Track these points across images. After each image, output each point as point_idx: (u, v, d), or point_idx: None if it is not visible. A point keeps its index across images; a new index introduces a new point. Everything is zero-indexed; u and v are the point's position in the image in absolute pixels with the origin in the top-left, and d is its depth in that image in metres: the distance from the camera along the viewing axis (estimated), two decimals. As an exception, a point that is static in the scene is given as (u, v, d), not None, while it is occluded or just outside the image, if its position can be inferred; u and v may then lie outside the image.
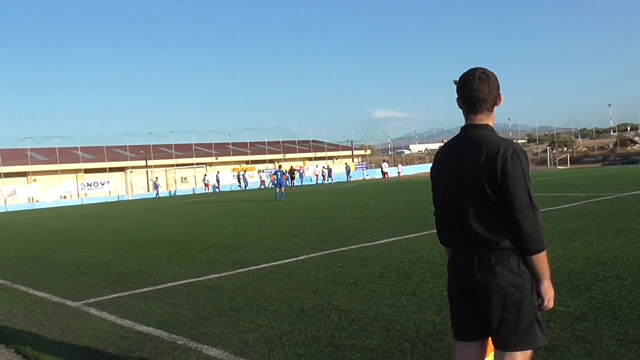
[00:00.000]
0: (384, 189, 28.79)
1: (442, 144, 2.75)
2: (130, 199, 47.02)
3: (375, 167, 57.42)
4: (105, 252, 10.71)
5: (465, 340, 2.45)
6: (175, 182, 56.24)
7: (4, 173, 47.94)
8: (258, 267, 7.69)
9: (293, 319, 4.90)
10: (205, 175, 52.03)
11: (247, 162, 61.08)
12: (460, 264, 2.40)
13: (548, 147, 61.16)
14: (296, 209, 19.04)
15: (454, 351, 2.62)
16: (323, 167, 52.92)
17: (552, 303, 2.36)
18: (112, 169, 53.44)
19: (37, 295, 6.97)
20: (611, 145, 60.10)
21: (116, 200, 47.09)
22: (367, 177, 55.53)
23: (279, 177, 27.11)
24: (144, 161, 53.61)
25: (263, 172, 55.65)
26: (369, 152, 75.98)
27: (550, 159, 55.63)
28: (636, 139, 59.23)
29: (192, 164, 57.59)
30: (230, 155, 60.69)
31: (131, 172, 52.97)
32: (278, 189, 26.64)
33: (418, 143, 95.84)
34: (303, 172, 53.41)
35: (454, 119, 70.95)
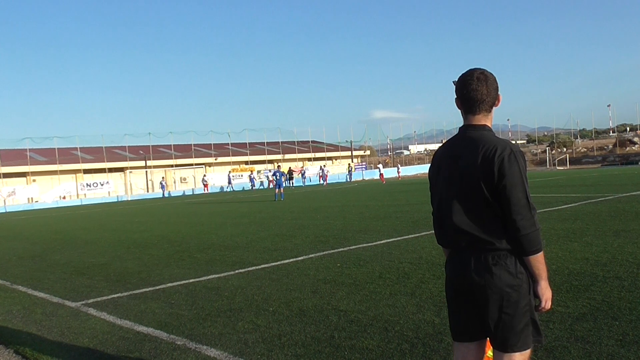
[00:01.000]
0: (383, 190, 28.81)
1: (441, 145, 2.74)
2: (129, 199, 47.00)
3: (374, 168, 57.50)
4: (104, 252, 10.71)
5: (463, 341, 2.46)
6: (174, 182, 56.23)
7: (3, 173, 47.90)
8: (257, 267, 7.69)
9: (292, 319, 4.91)
10: (204, 175, 52.03)
11: (246, 163, 61.08)
12: (457, 264, 2.40)
13: (547, 148, 61.19)
14: (295, 209, 19.04)
15: (453, 352, 2.62)
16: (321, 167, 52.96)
17: (550, 304, 2.37)
18: (111, 170, 53.40)
19: (37, 295, 6.96)
20: (610, 146, 60.13)
21: (115, 200, 47.07)
22: (367, 178, 55.52)
23: (278, 177, 27.11)
24: (143, 161, 53.61)
25: (261, 172, 55.69)
26: (368, 152, 76.01)
27: (549, 160, 55.66)
28: (635, 139, 59.26)
29: (192, 165, 57.58)
30: (229, 155, 60.67)
31: (130, 172, 52.95)
32: (277, 190, 26.64)
33: (417, 143, 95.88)
34: (300, 172, 53.33)
35: (453, 120, 71.01)
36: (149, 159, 54.25)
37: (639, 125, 71.05)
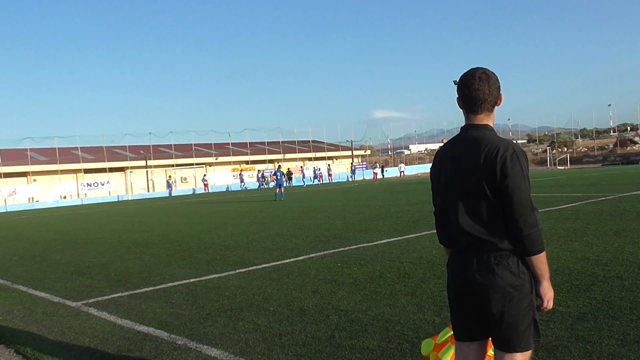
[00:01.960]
0: (384, 189, 28.80)
1: (442, 144, 2.74)
2: (130, 199, 47.03)
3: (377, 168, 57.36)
4: (105, 252, 10.71)
5: (465, 341, 2.45)
6: (175, 182, 56.26)
7: (3, 173, 47.93)
8: (258, 267, 7.69)
9: (293, 319, 4.90)
10: (204, 175, 52.06)
11: (247, 162, 61.09)
12: (459, 264, 2.39)
13: (548, 148, 61.16)
14: (296, 209, 19.04)
15: (455, 352, 2.62)
16: (324, 166, 52.96)
17: (552, 304, 2.36)
18: (112, 169, 53.44)
19: (37, 295, 6.96)
20: (611, 146, 60.11)
21: (116, 200, 47.10)
22: (367, 178, 55.50)
23: (278, 177, 27.10)
24: (144, 161, 53.62)
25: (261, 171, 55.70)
26: (368, 152, 75.99)
27: (550, 159, 55.63)
28: (636, 139, 59.24)
29: (192, 164, 57.58)
30: (230, 155, 60.68)
31: (131, 172, 52.97)
32: (278, 189, 26.63)
33: (418, 143, 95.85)
34: (299, 172, 53.35)
35: (454, 119, 71.00)
36: (150, 159, 54.29)
37: (640, 125, 71.01)
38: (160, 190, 53.26)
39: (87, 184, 50.45)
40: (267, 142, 64.29)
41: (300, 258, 8.15)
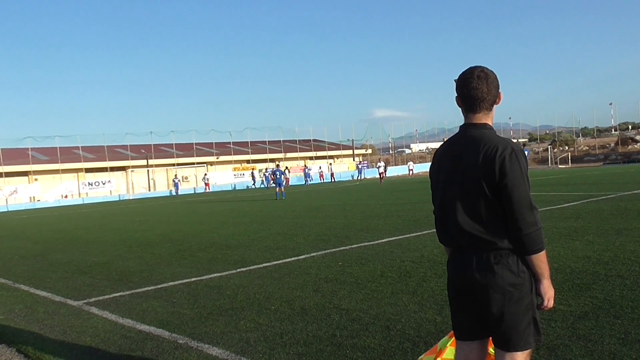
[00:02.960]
0: (384, 189, 28.79)
1: (442, 143, 2.75)
2: (131, 198, 47.06)
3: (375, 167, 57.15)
4: (106, 251, 10.72)
5: (465, 340, 2.45)
6: (180, 181, 56.25)
7: (5, 172, 47.98)
8: (259, 266, 7.69)
9: (294, 318, 4.91)
10: (205, 174, 52.07)
11: (247, 162, 61.10)
12: (459, 263, 2.39)
13: (549, 146, 61.10)
14: (297, 208, 19.04)
15: (455, 351, 2.62)
16: (326, 165, 52.79)
17: (552, 302, 2.36)
18: (113, 169, 53.48)
19: (39, 294, 6.98)
20: (612, 144, 60.02)
21: (117, 199, 47.13)
22: (369, 177, 55.44)
23: (278, 176, 27.09)
24: (145, 160, 53.65)
25: (262, 170, 55.66)
26: (369, 151, 75.97)
27: (551, 158, 55.57)
28: (637, 137, 59.13)
29: (193, 164, 57.60)
30: (231, 154, 60.70)
31: (132, 171, 52.99)
32: (278, 189, 26.63)
33: (419, 142, 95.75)
34: (303, 171, 53.29)
35: (455, 118, 70.88)
36: (151, 158, 54.31)
37: (641, 124, 70.89)
38: (162, 190, 53.27)
39: (88, 183, 50.47)
40: (268, 141, 64.29)
41: (301, 257, 8.15)
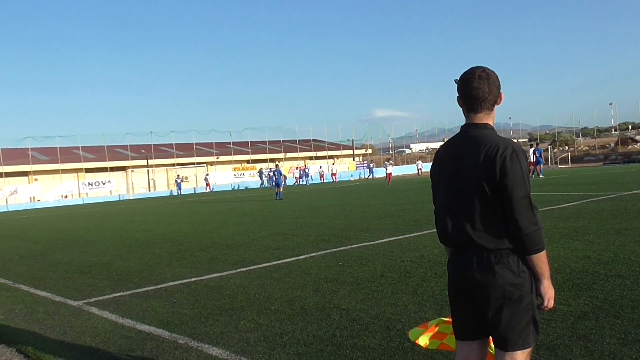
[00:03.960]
0: (384, 188, 28.77)
1: (442, 143, 2.76)
2: (131, 198, 47.06)
3: (375, 167, 56.92)
4: (106, 251, 10.72)
5: (465, 340, 2.46)
6: (182, 180, 56.23)
7: (5, 172, 47.98)
8: (259, 266, 7.69)
9: (294, 318, 4.91)
10: (207, 174, 52.04)
11: (247, 162, 61.09)
12: (459, 263, 2.39)
13: (549, 146, 61.10)
14: (297, 208, 19.04)
15: (455, 351, 2.62)
16: (326, 165, 52.61)
17: (552, 302, 2.36)
18: (113, 169, 53.48)
19: (39, 294, 6.98)
20: (612, 144, 60.01)
21: (117, 199, 47.12)
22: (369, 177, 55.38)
23: (277, 176, 27.08)
24: (145, 160, 53.65)
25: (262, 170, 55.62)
26: (369, 151, 75.96)
27: (551, 158, 55.57)
28: (637, 137, 59.13)
29: (193, 164, 57.61)
30: (231, 154, 60.71)
31: (132, 171, 53.00)
32: (277, 189, 26.61)
33: (419, 142, 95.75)
34: (303, 171, 53.25)
35: (455, 118, 70.93)
36: (151, 158, 54.31)
37: (641, 124, 70.88)
38: (162, 190, 53.25)
39: (88, 184, 50.48)
40: (268, 141, 64.29)
41: (301, 257, 8.15)
